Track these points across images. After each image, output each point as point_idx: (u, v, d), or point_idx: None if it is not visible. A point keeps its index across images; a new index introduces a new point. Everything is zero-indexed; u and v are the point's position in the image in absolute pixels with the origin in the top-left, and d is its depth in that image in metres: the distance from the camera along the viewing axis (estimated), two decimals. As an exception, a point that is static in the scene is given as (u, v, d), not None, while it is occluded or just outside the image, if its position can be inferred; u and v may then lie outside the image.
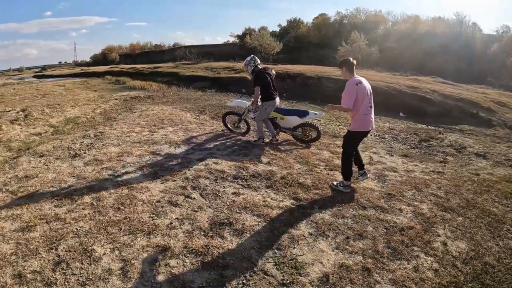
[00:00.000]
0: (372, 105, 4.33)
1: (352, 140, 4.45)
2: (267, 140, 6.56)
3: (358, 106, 4.14)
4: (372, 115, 4.33)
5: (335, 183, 4.52)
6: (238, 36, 46.21)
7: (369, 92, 4.25)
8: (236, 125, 7.24)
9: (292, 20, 49.18)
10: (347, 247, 3.16)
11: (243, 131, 7.21)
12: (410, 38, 33.22)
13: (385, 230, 3.47)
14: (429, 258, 3.07)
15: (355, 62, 4.30)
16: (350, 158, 4.49)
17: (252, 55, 6.53)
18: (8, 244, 3.08)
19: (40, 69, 59.34)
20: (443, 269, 2.91)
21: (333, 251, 3.10)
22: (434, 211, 4.01)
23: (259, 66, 6.35)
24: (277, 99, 6.38)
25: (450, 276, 2.82)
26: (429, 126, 10.96)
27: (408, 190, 4.57)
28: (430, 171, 5.59)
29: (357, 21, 39.94)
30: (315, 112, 6.81)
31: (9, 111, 9.77)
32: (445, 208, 4.09)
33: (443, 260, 3.05)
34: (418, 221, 3.72)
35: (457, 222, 3.78)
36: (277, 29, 50.04)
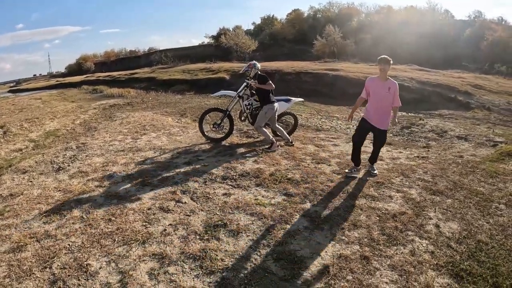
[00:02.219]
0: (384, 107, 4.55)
1: (358, 126, 4.86)
2: (282, 144, 6.30)
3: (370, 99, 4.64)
4: (383, 115, 4.54)
5: (346, 170, 4.80)
6: (213, 37, 46.02)
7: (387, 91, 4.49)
8: (217, 125, 6.46)
9: (266, 17, 49.43)
10: (343, 237, 3.20)
11: (223, 135, 6.57)
12: (384, 29, 33.82)
13: (378, 218, 3.53)
14: (424, 241, 3.15)
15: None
16: (354, 145, 4.77)
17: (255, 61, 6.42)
18: (0, 268, 2.97)
19: (15, 83, 57.70)
20: (438, 251, 3.00)
21: (330, 242, 3.14)
22: (423, 195, 4.11)
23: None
24: (276, 105, 6.14)
25: (446, 257, 2.90)
26: (409, 113, 11.19)
27: (396, 177, 4.67)
28: (414, 157, 5.72)
29: (331, 15, 40.45)
30: (295, 98, 6.99)
31: (-14, 128, 9.45)
32: (433, 192, 4.20)
33: (437, 241, 3.14)
34: (409, 206, 3.81)
35: (446, 204, 3.89)
36: (252, 27, 50.09)
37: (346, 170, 4.79)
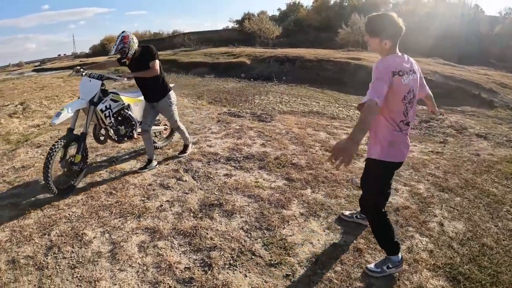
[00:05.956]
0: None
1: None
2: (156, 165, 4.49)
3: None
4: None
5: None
6: (237, 21, 45.74)
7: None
8: (72, 162, 3.78)
9: (291, 3, 48.62)
10: (339, 227, 3.13)
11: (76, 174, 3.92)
12: (412, 20, 32.69)
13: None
14: (424, 238, 3.03)
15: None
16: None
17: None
18: (3, 232, 3.10)
19: (39, 63, 59.22)
20: (438, 250, 2.87)
21: (324, 231, 3.08)
22: (431, 191, 3.97)
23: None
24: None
25: (445, 258, 2.77)
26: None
27: (405, 170, 4.53)
28: (429, 151, 5.55)
29: (358, 3, 39.41)
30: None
31: (8, 105, 9.75)
32: (442, 188, 4.05)
33: (438, 240, 3.00)
34: (414, 201, 3.68)
35: (454, 202, 3.73)
36: (277, 13, 49.44)
37: (346, 214, 3.27)
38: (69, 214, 3.34)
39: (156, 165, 4.40)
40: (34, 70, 37.38)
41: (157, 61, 3.93)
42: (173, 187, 3.85)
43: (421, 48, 24.55)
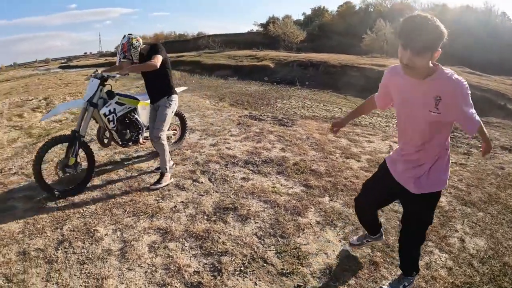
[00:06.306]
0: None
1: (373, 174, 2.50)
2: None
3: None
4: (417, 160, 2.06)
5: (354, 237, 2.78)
6: (261, 25, 45.88)
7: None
8: (68, 166, 3.59)
9: (316, 8, 48.40)
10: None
11: (81, 179, 3.74)
12: None
13: (398, 223, 3.27)
14: (444, 254, 2.86)
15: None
16: (356, 210, 2.59)
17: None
18: (17, 223, 3.13)
19: (65, 60, 60.99)
20: (457, 268, 2.70)
21: (340, 241, 2.95)
22: (454, 204, 3.78)
23: None
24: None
25: (464, 276, 2.60)
26: None
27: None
28: (452, 162, 5.30)
29: (383, 9, 38.85)
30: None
31: (32, 99, 10.03)
32: (465, 202, 3.85)
33: (458, 257, 2.83)
34: (435, 215, 3.47)
35: (477, 217, 3.54)
36: (302, 17, 49.27)
37: (353, 240, 2.83)
38: (83, 210, 3.34)
39: (173, 165, 4.27)
40: (60, 67, 38.58)
41: (159, 56, 3.59)
42: (188, 188, 3.80)
43: (446, 56, 23.82)
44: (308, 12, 49.28)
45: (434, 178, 2.00)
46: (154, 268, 2.53)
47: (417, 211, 2.13)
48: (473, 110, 1.79)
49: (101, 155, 4.80)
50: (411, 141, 2.00)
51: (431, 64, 1.73)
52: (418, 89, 1.81)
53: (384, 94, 2.16)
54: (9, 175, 4.30)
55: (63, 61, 59.07)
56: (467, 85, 1.74)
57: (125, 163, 4.54)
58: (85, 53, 78.06)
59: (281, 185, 3.97)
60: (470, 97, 1.76)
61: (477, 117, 1.81)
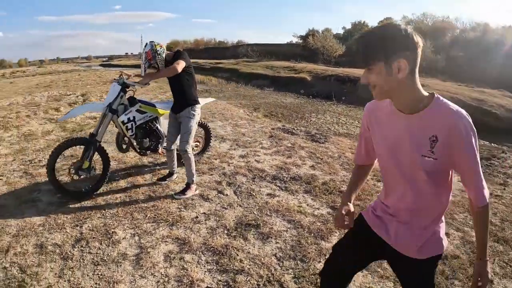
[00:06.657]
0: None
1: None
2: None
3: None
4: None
5: None
6: (301, 37, 45.71)
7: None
8: (82, 169, 3.54)
9: (356, 23, 47.67)
10: (379, 270, 2.76)
11: (93, 183, 3.71)
12: (478, 47, 30.39)
13: None
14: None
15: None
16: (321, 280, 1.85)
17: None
18: (39, 216, 3.20)
19: (107, 58, 63.57)
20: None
21: (362, 272, 2.74)
22: (484, 240, 3.44)
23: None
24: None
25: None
26: (492, 144, 9.85)
27: (460, 213, 3.99)
28: (488, 194, 4.90)
29: (424, 27, 37.60)
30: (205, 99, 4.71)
31: (70, 95, 10.45)
32: (498, 239, 3.48)
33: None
34: (465, 250, 3.18)
35: (509, 256, 3.17)
36: (341, 31, 48.72)
37: None
38: (104, 210, 3.35)
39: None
40: (101, 65, 40.19)
41: (181, 61, 3.43)
42: (212, 200, 3.72)
43: (486, 78, 22.56)
44: (348, 26, 48.67)
45: (426, 241, 1.48)
46: (167, 279, 2.44)
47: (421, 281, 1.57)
48: (480, 173, 1.31)
49: (130, 156, 4.83)
50: (404, 198, 1.45)
51: (425, 93, 1.29)
52: (405, 125, 1.33)
53: (366, 142, 1.62)
54: (38, 166, 4.42)
55: (104, 59, 61.70)
56: (472, 126, 1.24)
57: (152, 167, 4.54)
58: (126, 53, 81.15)
59: (308, 204, 3.80)
60: (476, 145, 1.27)
61: (487, 192, 1.34)
